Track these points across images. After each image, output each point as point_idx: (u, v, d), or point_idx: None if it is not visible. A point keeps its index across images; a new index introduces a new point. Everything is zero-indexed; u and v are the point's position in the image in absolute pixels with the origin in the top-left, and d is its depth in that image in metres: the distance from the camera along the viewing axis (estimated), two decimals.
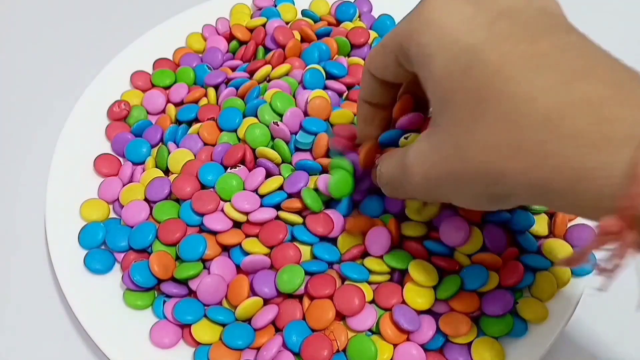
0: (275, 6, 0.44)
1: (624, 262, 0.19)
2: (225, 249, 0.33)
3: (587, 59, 0.20)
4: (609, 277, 0.20)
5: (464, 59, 0.22)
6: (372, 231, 0.32)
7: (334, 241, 0.33)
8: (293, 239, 0.33)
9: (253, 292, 0.32)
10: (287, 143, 0.35)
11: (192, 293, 0.32)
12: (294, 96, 0.37)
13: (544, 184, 0.20)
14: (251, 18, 0.44)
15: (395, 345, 0.31)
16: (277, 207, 0.34)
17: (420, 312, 0.31)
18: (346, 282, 0.32)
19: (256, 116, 0.36)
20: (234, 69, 0.41)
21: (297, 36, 0.41)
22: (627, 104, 0.19)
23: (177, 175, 0.36)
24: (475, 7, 0.23)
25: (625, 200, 0.18)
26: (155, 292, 0.33)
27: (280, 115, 0.36)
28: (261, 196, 0.34)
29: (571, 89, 0.20)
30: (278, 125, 0.35)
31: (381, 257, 0.32)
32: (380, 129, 0.31)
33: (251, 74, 0.40)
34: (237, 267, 0.33)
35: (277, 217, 0.33)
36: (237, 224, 0.34)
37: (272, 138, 0.36)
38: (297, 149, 0.36)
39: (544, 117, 0.20)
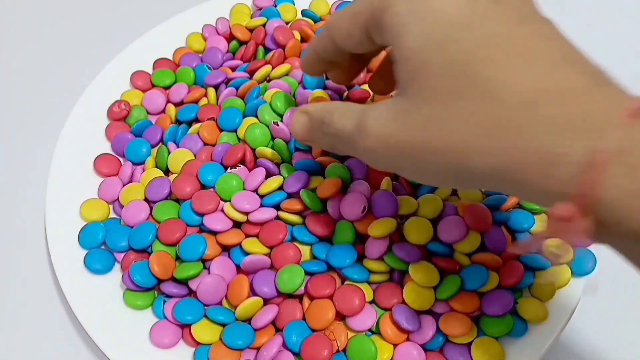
0: (275, 6, 0.44)
1: (574, 248, 0.19)
2: (225, 249, 0.33)
3: (565, 50, 0.21)
4: (558, 263, 0.20)
5: (441, 32, 0.22)
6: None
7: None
8: (293, 239, 0.33)
9: (253, 292, 0.32)
10: (287, 143, 0.35)
11: (192, 293, 0.32)
12: (294, 96, 0.37)
13: (510, 166, 0.20)
14: (251, 18, 0.44)
15: (395, 345, 0.31)
16: (277, 207, 0.34)
17: (420, 312, 0.31)
18: (346, 283, 0.32)
19: (256, 116, 0.36)
20: (234, 69, 0.41)
21: (297, 36, 0.41)
22: (601, 95, 0.19)
23: (177, 175, 0.36)
24: None
25: (580, 187, 0.18)
26: (155, 292, 0.33)
27: (280, 115, 0.36)
28: (261, 196, 0.34)
29: (550, 77, 0.20)
30: (278, 125, 0.35)
31: (381, 257, 0.32)
32: (319, 74, 0.32)
33: (251, 74, 0.40)
34: (237, 267, 0.33)
35: (277, 217, 0.33)
36: (237, 224, 0.34)
37: (272, 138, 0.36)
38: (297, 149, 0.36)
39: (521, 101, 0.20)
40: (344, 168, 0.34)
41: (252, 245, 0.32)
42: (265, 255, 0.32)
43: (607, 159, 0.18)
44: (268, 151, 0.35)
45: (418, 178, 0.25)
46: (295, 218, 0.33)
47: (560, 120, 0.19)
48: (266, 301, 0.32)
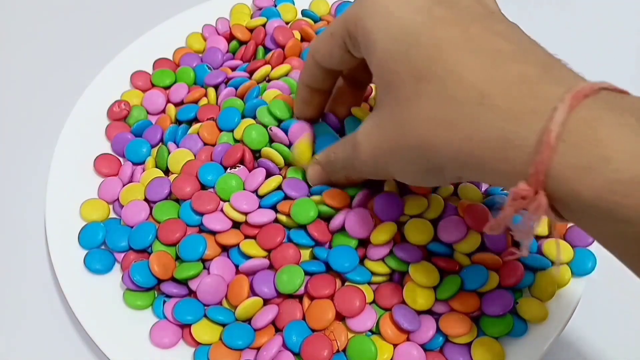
0: (275, 6, 0.44)
1: (536, 224, 0.21)
2: (225, 249, 0.33)
3: (516, 45, 0.22)
4: (525, 238, 0.22)
5: (404, 41, 0.24)
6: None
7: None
8: (290, 241, 0.33)
9: (253, 292, 0.32)
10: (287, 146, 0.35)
11: (192, 293, 0.32)
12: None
13: (473, 155, 0.22)
14: (251, 18, 0.44)
15: (395, 345, 0.31)
16: (276, 207, 0.33)
17: (420, 312, 0.31)
18: (347, 283, 0.32)
19: (255, 117, 0.36)
20: (234, 69, 0.41)
21: (297, 36, 0.41)
22: (554, 82, 0.21)
23: (177, 175, 0.35)
24: None
25: (533, 167, 0.20)
26: (155, 292, 0.33)
27: (279, 120, 0.36)
28: (261, 196, 0.34)
29: (502, 69, 0.21)
30: (272, 130, 0.35)
31: (382, 258, 0.32)
32: (317, 110, 0.34)
33: (251, 74, 0.40)
34: (237, 267, 0.33)
35: (276, 220, 0.33)
36: (236, 224, 0.34)
37: (270, 140, 0.36)
38: None
39: (476, 93, 0.21)
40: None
41: (250, 247, 0.32)
42: (264, 257, 0.32)
43: (554, 139, 0.19)
44: (272, 153, 0.35)
45: (407, 179, 0.27)
46: (292, 222, 0.33)
47: (509, 108, 0.21)
48: (266, 301, 0.32)
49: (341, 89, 0.34)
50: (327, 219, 0.33)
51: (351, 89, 0.34)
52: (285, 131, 0.35)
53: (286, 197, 0.33)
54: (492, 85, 0.21)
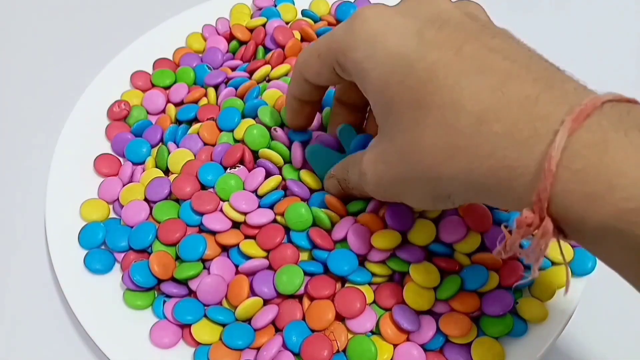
0: (275, 6, 0.44)
1: (545, 249, 0.20)
2: (225, 249, 0.33)
3: (513, 60, 0.21)
4: (534, 262, 0.21)
5: (398, 69, 0.23)
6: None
7: None
8: (291, 242, 0.33)
9: (253, 292, 0.32)
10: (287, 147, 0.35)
11: (192, 293, 0.32)
12: None
13: (480, 183, 0.21)
14: (251, 18, 0.44)
15: (395, 346, 0.31)
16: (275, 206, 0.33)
17: (420, 312, 0.31)
18: (347, 284, 0.32)
19: (256, 117, 0.36)
20: (234, 69, 0.41)
21: (297, 36, 0.41)
22: (555, 101, 0.20)
23: (177, 175, 0.35)
24: (403, 17, 0.24)
25: (535, 195, 0.19)
26: (155, 292, 0.33)
27: (282, 124, 0.36)
28: (260, 196, 0.34)
29: (500, 91, 0.21)
30: (277, 131, 0.35)
31: (383, 260, 0.32)
32: (308, 119, 0.34)
33: (251, 73, 0.40)
34: (237, 267, 0.33)
35: (275, 220, 0.33)
36: (236, 224, 0.34)
37: (272, 139, 0.36)
38: None
39: (476, 120, 0.21)
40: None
41: (250, 247, 0.32)
42: (264, 257, 0.32)
43: (554, 166, 0.18)
44: (271, 153, 0.35)
45: (415, 205, 0.27)
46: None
47: (509, 133, 0.20)
48: (266, 301, 0.32)
49: (336, 110, 0.34)
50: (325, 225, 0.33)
51: (348, 112, 0.33)
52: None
53: (287, 196, 0.33)
54: (490, 111, 0.20)
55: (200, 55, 0.43)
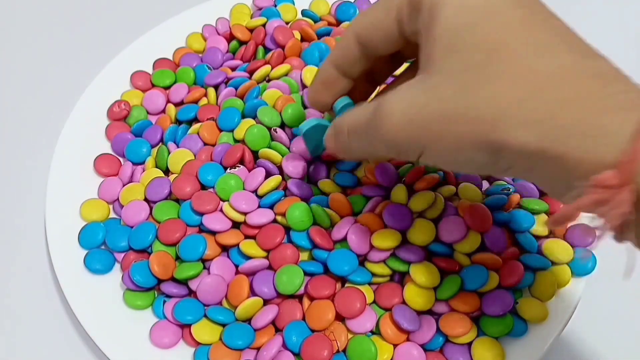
0: (275, 6, 0.44)
1: (616, 221, 0.19)
2: (225, 249, 0.33)
3: (588, 45, 0.22)
4: (607, 236, 0.20)
5: (471, 16, 0.22)
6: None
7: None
8: (291, 242, 0.33)
9: (253, 292, 0.32)
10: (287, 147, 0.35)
11: (192, 293, 0.32)
12: (304, 106, 0.37)
13: (546, 139, 0.20)
14: (251, 18, 0.44)
15: (395, 345, 0.31)
16: (274, 207, 0.33)
17: (420, 312, 0.31)
18: (347, 284, 0.32)
19: (256, 117, 0.36)
20: (234, 69, 0.41)
21: (297, 36, 0.41)
22: (632, 81, 0.20)
23: (177, 175, 0.36)
24: None
25: (627, 155, 0.18)
26: (155, 292, 0.33)
27: (282, 124, 0.36)
28: (260, 196, 0.34)
29: (585, 63, 0.21)
30: (277, 132, 0.35)
31: (384, 260, 0.32)
32: (334, 97, 0.30)
33: (251, 74, 0.40)
34: (237, 267, 0.33)
35: (275, 220, 0.33)
36: (236, 224, 0.34)
37: (272, 139, 0.36)
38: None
39: (560, 77, 0.20)
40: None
41: (250, 247, 0.32)
42: (264, 257, 0.32)
43: None
44: (271, 153, 0.35)
45: (442, 157, 0.24)
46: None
47: (602, 97, 0.20)
48: (266, 301, 0.32)
49: (332, 80, 0.30)
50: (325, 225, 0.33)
51: (363, 84, 0.31)
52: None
53: (287, 196, 0.33)
54: (577, 74, 0.20)
55: (200, 55, 0.43)
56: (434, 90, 0.23)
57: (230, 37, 0.43)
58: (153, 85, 0.42)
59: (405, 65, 0.31)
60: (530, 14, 0.22)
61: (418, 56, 0.25)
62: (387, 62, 0.29)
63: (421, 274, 0.31)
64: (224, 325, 0.31)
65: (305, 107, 0.37)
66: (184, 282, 0.33)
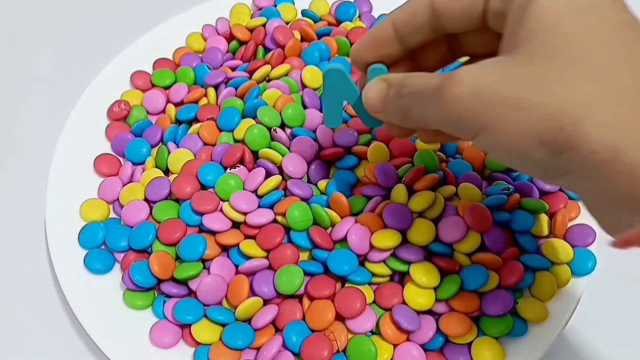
0: (275, 6, 0.44)
1: None
2: (225, 249, 0.33)
3: None
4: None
5: (581, 3, 0.21)
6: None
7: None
8: (291, 242, 0.33)
9: (253, 292, 0.32)
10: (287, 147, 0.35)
11: (192, 293, 0.32)
12: (303, 105, 0.37)
13: (623, 144, 0.19)
14: (251, 18, 0.44)
15: (395, 346, 0.31)
16: (275, 206, 0.34)
17: (420, 312, 0.31)
18: (347, 284, 0.32)
19: (256, 117, 0.36)
20: (234, 69, 0.41)
21: (297, 36, 0.41)
22: None
23: (177, 175, 0.36)
24: None
25: None
26: (155, 292, 0.33)
27: (282, 124, 0.36)
28: (260, 196, 0.34)
29: None
30: (277, 132, 0.35)
31: (384, 260, 0.32)
32: (376, 60, 0.27)
33: (251, 73, 0.40)
34: (237, 267, 0.33)
35: (275, 220, 0.33)
36: (236, 224, 0.34)
37: (272, 139, 0.36)
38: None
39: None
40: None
41: (250, 247, 0.32)
42: (264, 257, 0.32)
43: None
44: (271, 153, 0.35)
45: (498, 143, 0.22)
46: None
47: None
48: (266, 301, 0.32)
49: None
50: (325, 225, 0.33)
51: (402, 65, 0.28)
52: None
53: (287, 196, 0.33)
54: None
55: (200, 55, 0.43)
56: (511, 71, 0.21)
57: (230, 37, 0.43)
58: (153, 85, 0.42)
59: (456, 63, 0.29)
60: (631, 20, 0.21)
61: (500, 41, 0.23)
62: (441, 49, 0.27)
63: (421, 274, 0.31)
64: (224, 325, 0.31)
65: (305, 107, 0.37)
66: (184, 282, 0.33)
